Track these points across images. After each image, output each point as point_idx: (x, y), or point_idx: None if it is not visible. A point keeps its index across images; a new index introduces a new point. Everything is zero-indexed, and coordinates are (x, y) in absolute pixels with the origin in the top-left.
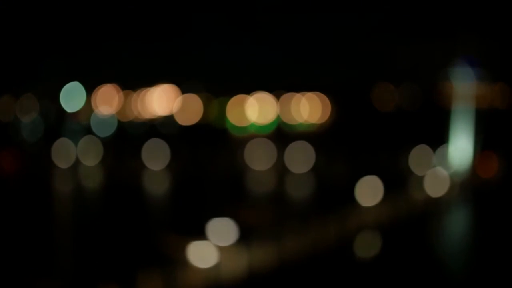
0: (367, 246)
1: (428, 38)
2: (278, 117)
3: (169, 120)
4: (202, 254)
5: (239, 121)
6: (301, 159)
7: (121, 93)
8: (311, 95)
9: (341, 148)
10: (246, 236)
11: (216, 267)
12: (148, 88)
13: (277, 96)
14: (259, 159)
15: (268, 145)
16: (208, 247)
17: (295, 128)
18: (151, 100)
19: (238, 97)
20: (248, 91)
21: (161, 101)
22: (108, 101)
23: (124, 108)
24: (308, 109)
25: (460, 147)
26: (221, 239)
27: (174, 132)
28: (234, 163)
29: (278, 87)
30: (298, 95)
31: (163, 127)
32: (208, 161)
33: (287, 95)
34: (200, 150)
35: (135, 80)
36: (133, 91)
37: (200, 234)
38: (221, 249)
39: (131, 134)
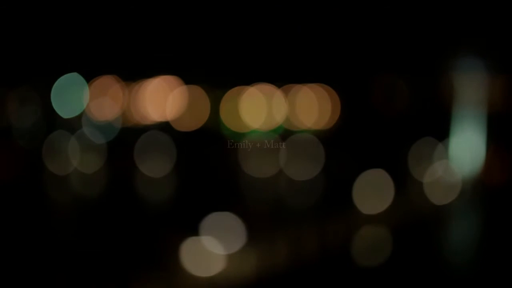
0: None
1: (432, 28)
2: (284, 121)
3: (166, 126)
4: (200, 256)
5: (238, 126)
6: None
7: (122, 83)
8: (317, 88)
9: (347, 148)
10: (249, 235)
11: (218, 274)
12: (149, 79)
13: (278, 88)
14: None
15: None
16: (208, 247)
17: (299, 134)
18: (152, 98)
19: (236, 91)
20: (248, 81)
21: (161, 98)
22: (106, 94)
23: (126, 107)
24: (317, 109)
25: (468, 147)
26: (222, 238)
27: (172, 138)
28: (232, 168)
29: (279, 78)
30: (299, 86)
31: (161, 134)
32: (207, 166)
33: (288, 87)
34: (199, 156)
35: (135, 72)
36: (133, 82)
37: (197, 231)
38: (222, 248)
39: (131, 140)
